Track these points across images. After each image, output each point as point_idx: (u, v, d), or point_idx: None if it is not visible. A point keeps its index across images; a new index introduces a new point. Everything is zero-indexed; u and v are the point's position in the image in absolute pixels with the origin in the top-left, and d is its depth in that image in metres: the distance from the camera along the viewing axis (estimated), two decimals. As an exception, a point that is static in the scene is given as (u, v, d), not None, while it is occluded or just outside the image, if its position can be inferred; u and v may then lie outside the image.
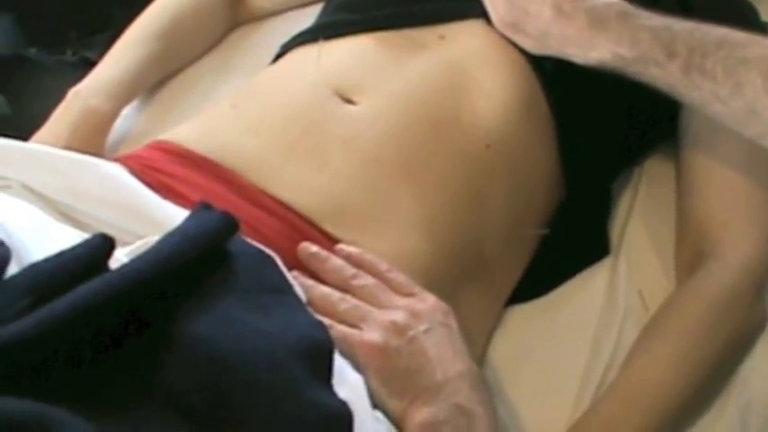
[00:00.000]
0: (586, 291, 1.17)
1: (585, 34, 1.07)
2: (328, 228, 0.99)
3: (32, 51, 2.12)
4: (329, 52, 1.17)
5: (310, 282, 0.93)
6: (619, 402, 1.03)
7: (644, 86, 1.08)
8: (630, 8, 1.07)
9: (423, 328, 0.88)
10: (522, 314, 1.16)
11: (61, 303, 0.66)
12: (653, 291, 1.16)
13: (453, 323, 0.91)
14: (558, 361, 1.11)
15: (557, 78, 1.16)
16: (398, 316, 0.89)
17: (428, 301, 0.92)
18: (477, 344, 1.08)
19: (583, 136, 1.17)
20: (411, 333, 0.87)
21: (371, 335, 0.87)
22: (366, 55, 1.16)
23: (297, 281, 0.90)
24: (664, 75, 1.04)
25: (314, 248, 0.96)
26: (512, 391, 1.08)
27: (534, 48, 1.12)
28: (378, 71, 1.13)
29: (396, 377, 0.85)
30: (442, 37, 1.19)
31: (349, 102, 1.09)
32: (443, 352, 0.87)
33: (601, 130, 1.20)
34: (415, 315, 0.89)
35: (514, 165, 1.11)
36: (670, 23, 1.05)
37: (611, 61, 1.06)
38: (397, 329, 0.87)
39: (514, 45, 1.17)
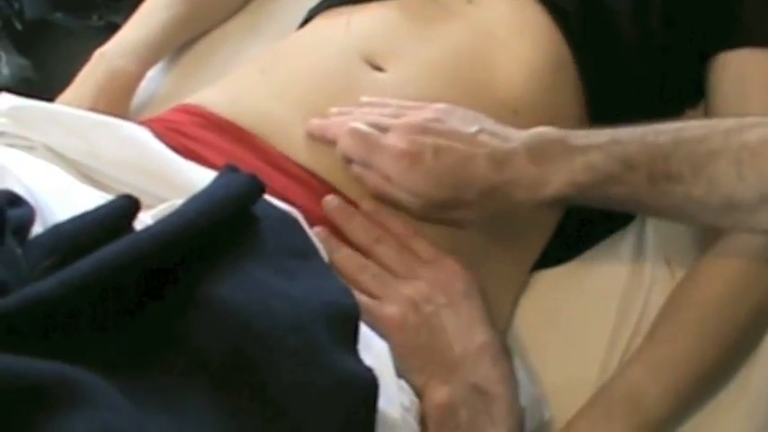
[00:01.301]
0: (613, 258, 1.16)
1: (533, 173, 0.93)
2: (352, 195, 0.99)
3: (58, 16, 2.12)
4: (358, 18, 1.16)
5: (334, 241, 0.93)
6: (644, 369, 1.02)
7: (673, 54, 1.06)
8: (565, 133, 0.95)
9: (442, 300, 0.87)
10: (549, 280, 1.15)
11: (85, 263, 0.66)
12: (680, 258, 1.14)
13: (475, 291, 0.90)
14: (584, 327, 1.10)
15: (586, 42, 1.15)
16: (417, 289, 0.88)
17: (449, 269, 0.91)
18: (503, 310, 1.08)
19: (612, 102, 1.15)
20: (429, 308, 0.87)
21: (390, 309, 0.87)
22: (394, 21, 1.15)
23: (319, 237, 0.90)
24: (628, 191, 0.93)
25: (337, 202, 0.96)
26: (538, 356, 1.08)
27: (477, 212, 0.97)
28: (406, 37, 1.13)
29: (414, 353, 0.85)
30: (469, 1, 1.18)
31: (377, 68, 1.09)
32: (462, 325, 0.87)
33: (630, 96, 1.18)
34: (434, 287, 0.89)
35: None
36: (615, 135, 0.94)
37: (568, 192, 0.93)
38: (416, 304, 0.87)
39: (543, 8, 1.15)
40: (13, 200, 0.75)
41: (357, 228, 0.94)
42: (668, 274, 1.14)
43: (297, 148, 1.01)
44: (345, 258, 0.92)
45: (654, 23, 1.17)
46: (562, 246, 1.15)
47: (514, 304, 1.12)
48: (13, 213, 0.71)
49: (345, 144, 0.97)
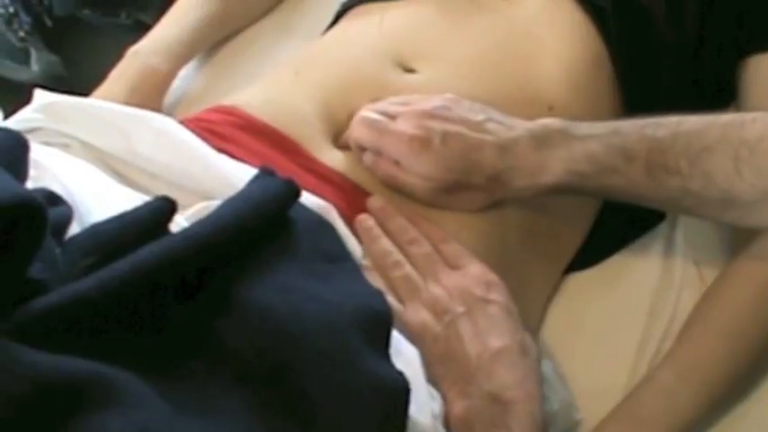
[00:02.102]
0: (643, 261, 1.16)
1: (533, 159, 0.95)
2: (387, 200, 0.99)
3: (87, 13, 2.13)
4: (391, 16, 1.16)
5: (376, 232, 0.94)
6: (674, 374, 1.02)
7: (706, 55, 1.06)
8: (568, 123, 0.97)
9: (460, 310, 0.88)
10: (579, 282, 1.15)
11: (124, 264, 0.66)
12: (710, 261, 1.14)
13: (496, 296, 0.90)
14: (613, 329, 1.11)
15: (622, 39, 1.14)
16: (437, 299, 0.89)
17: (470, 275, 0.91)
18: (536, 311, 1.09)
19: (647, 100, 1.14)
20: (448, 318, 0.87)
21: (413, 317, 0.88)
22: (428, 19, 1.16)
23: (363, 225, 0.93)
24: (626, 182, 0.94)
25: (380, 203, 0.97)
26: (567, 358, 1.08)
27: (484, 198, 1.00)
28: (439, 36, 1.13)
29: (434, 363, 0.85)
30: None
31: (409, 70, 1.09)
32: (479, 333, 0.86)
33: (665, 95, 1.17)
34: (453, 296, 0.89)
35: None
36: (616, 126, 0.96)
37: (567, 180, 0.95)
38: (436, 314, 0.87)
39: (579, 5, 1.15)
40: (52, 199, 0.76)
41: (395, 228, 0.95)
42: (698, 277, 1.13)
43: (330, 153, 1.02)
44: (381, 252, 0.93)
45: (689, 23, 1.16)
46: (591, 249, 1.15)
47: (546, 306, 1.12)
48: (51, 212, 0.71)
49: (356, 132, 1.00)
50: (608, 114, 1.12)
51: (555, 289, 1.14)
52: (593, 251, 1.15)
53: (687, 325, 1.07)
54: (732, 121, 0.94)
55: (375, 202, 0.97)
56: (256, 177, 0.83)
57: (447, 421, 0.82)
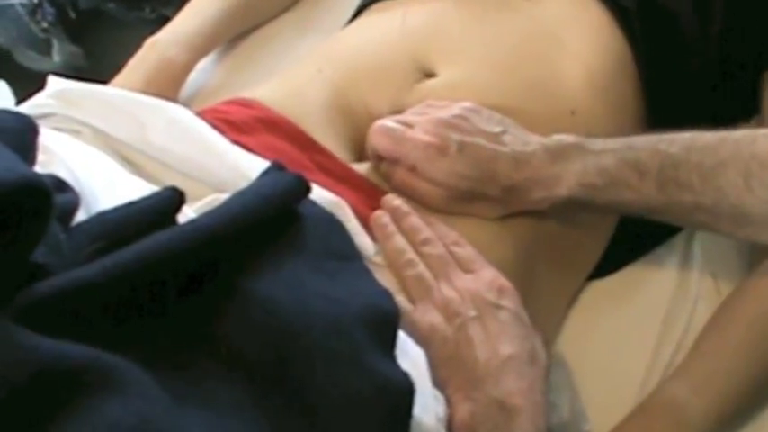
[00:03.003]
0: (659, 272, 1.15)
1: (549, 173, 0.97)
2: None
3: (111, 6, 2.13)
4: (413, 14, 1.16)
5: (392, 228, 0.94)
6: (687, 387, 1.01)
7: (731, 63, 1.04)
8: (583, 139, 0.98)
9: (471, 314, 0.87)
10: (594, 291, 1.14)
11: (128, 252, 0.65)
12: (726, 273, 1.13)
13: (508, 302, 0.89)
14: (627, 340, 1.10)
15: (647, 42, 1.13)
16: (448, 301, 0.88)
17: (483, 279, 0.90)
18: (553, 320, 1.08)
19: (671, 105, 1.14)
20: (458, 321, 0.86)
21: (423, 318, 0.87)
22: (450, 17, 1.15)
23: (380, 222, 0.93)
24: (638, 197, 0.95)
25: (398, 202, 0.96)
26: (579, 367, 1.07)
27: (499, 210, 1.00)
28: (462, 36, 1.12)
29: (440, 366, 0.84)
30: None
31: (430, 73, 1.09)
32: (489, 338, 0.85)
33: (689, 101, 1.16)
34: (465, 299, 0.88)
35: (600, 132, 1.06)
36: (630, 142, 0.97)
37: (580, 193, 0.96)
38: (448, 315, 0.86)
39: (603, 7, 1.15)
40: (59, 185, 0.75)
41: (409, 227, 0.94)
42: (714, 289, 1.12)
43: (349, 154, 1.03)
44: (395, 249, 0.93)
45: (714, 29, 1.15)
46: (607, 257, 1.14)
47: (565, 315, 1.11)
48: (57, 199, 0.71)
49: (374, 140, 1.00)
50: (631, 119, 1.12)
51: (572, 299, 1.13)
52: (609, 260, 1.14)
53: (701, 337, 1.06)
54: (745, 136, 0.94)
55: (391, 200, 0.97)
56: (266, 172, 0.82)
57: (451, 425, 0.81)
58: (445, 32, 1.13)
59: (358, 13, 1.28)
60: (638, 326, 1.10)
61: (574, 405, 0.99)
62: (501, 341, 0.85)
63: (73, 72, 1.99)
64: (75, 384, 0.58)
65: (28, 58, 2.01)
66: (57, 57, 2.03)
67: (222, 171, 0.89)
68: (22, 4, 2.06)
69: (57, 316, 0.61)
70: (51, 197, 0.61)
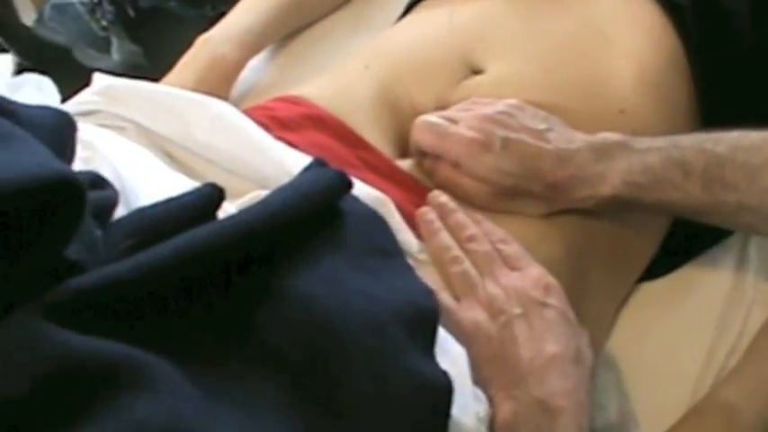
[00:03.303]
0: (714, 274, 1.13)
1: (593, 170, 0.96)
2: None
3: (172, 4, 2.14)
4: (461, 11, 1.15)
5: (437, 225, 0.93)
6: (740, 391, 0.99)
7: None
8: (628, 137, 0.97)
9: (517, 311, 0.85)
10: (647, 292, 1.12)
11: (165, 248, 0.65)
12: (783, 277, 1.11)
13: (555, 300, 0.87)
14: (679, 343, 1.08)
15: (700, 40, 1.11)
16: (494, 298, 0.86)
17: (530, 277, 0.89)
18: (604, 322, 1.06)
19: (725, 104, 1.11)
20: (503, 318, 0.85)
21: (465, 315, 0.85)
22: (498, 14, 1.14)
23: (425, 218, 0.92)
24: (683, 196, 0.94)
25: (444, 198, 0.95)
26: (630, 369, 1.06)
27: (543, 207, 0.99)
28: (510, 33, 1.11)
29: (484, 364, 0.83)
30: None
31: (478, 70, 1.08)
32: (534, 337, 0.84)
33: (744, 100, 1.13)
34: (510, 297, 0.87)
35: (650, 132, 1.04)
36: (676, 140, 0.96)
37: (625, 191, 0.95)
38: (492, 314, 0.85)
39: (655, 3, 1.13)
40: (98, 182, 0.75)
41: (454, 224, 0.93)
42: (770, 293, 1.10)
43: (395, 151, 1.02)
44: (441, 246, 0.91)
45: None
46: (661, 259, 1.12)
47: (616, 316, 1.09)
48: (95, 195, 0.71)
49: (417, 135, 1.00)
50: (683, 118, 1.10)
51: (623, 301, 1.11)
52: (662, 261, 1.12)
53: (756, 340, 1.04)
54: None
55: (437, 196, 0.96)
56: (308, 168, 0.82)
57: (493, 424, 0.80)
58: (493, 29, 1.12)
59: (407, 11, 1.27)
60: (691, 329, 1.08)
61: (622, 407, 0.97)
62: (546, 340, 0.84)
63: (132, 70, 2.00)
64: (105, 381, 0.58)
65: (87, 57, 2.03)
66: (116, 55, 2.04)
67: (266, 167, 0.89)
68: (81, 3, 2.09)
69: (89, 312, 0.61)
70: (84, 193, 0.61)
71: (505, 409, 0.80)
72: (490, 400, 0.81)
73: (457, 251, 0.91)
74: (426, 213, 0.94)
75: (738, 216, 0.94)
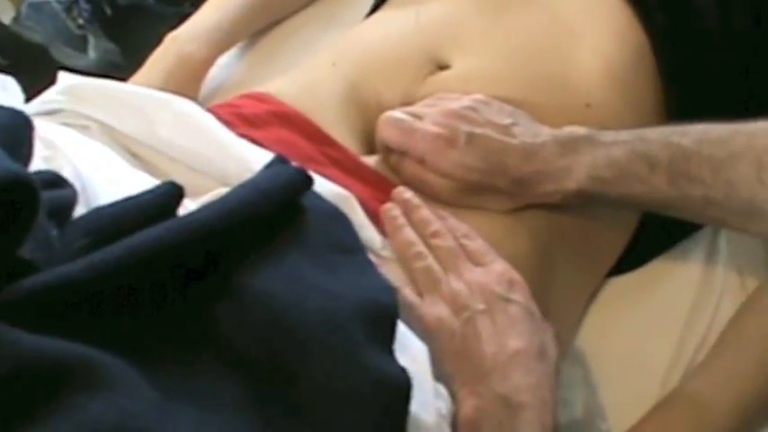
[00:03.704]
0: (683, 267, 1.13)
1: (559, 165, 0.95)
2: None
3: (149, 2, 2.13)
4: (427, 8, 1.14)
5: (401, 221, 0.93)
6: (708, 385, 0.99)
7: (759, 56, 1.02)
8: (594, 130, 0.97)
9: (480, 307, 0.85)
10: (615, 286, 1.12)
11: (118, 247, 0.65)
12: (752, 268, 1.11)
13: (518, 296, 0.87)
14: (648, 336, 1.08)
15: (667, 34, 1.11)
16: (457, 294, 0.87)
17: (494, 272, 0.89)
18: (572, 317, 1.06)
19: (692, 99, 1.11)
20: (466, 314, 0.85)
21: (428, 310, 0.85)
22: (465, 11, 1.13)
23: (390, 214, 0.92)
24: (649, 190, 0.93)
25: (409, 194, 0.95)
26: (598, 364, 1.06)
27: (509, 202, 0.98)
28: (476, 29, 1.11)
29: (447, 360, 0.83)
30: None
31: (444, 65, 1.08)
32: (497, 332, 0.84)
33: (711, 96, 1.13)
34: (474, 292, 0.87)
35: (616, 126, 1.03)
36: (641, 134, 0.95)
37: (590, 186, 0.95)
38: (454, 309, 0.85)
39: None
40: (56, 181, 0.74)
41: (418, 220, 0.93)
42: (740, 286, 1.10)
43: (361, 148, 1.02)
44: (404, 242, 0.91)
45: (739, 19, 1.12)
46: (630, 252, 1.12)
47: (585, 311, 1.09)
48: (52, 194, 0.70)
49: (383, 131, 0.99)
50: (650, 113, 1.10)
51: (592, 295, 1.11)
52: (632, 255, 1.12)
53: (724, 333, 1.04)
54: (760, 128, 0.91)
55: (401, 192, 0.96)
56: (269, 165, 0.81)
57: (456, 421, 0.80)
58: (459, 25, 1.12)
59: (375, 8, 1.27)
60: (660, 322, 1.08)
61: (589, 402, 0.97)
62: (509, 335, 0.84)
63: (108, 68, 2.00)
64: (58, 381, 0.58)
65: (64, 55, 2.02)
66: (92, 53, 2.04)
67: (228, 165, 0.89)
68: (58, 1, 2.08)
69: (41, 312, 0.61)
70: (38, 193, 0.61)
71: (468, 405, 0.80)
72: (453, 396, 0.81)
73: (420, 247, 0.91)
74: (391, 210, 0.93)
75: (705, 210, 0.93)
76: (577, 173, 0.95)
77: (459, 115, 0.97)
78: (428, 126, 0.96)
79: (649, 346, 1.07)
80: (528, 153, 0.95)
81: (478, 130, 0.95)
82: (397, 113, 0.99)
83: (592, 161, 0.94)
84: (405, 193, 0.95)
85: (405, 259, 0.91)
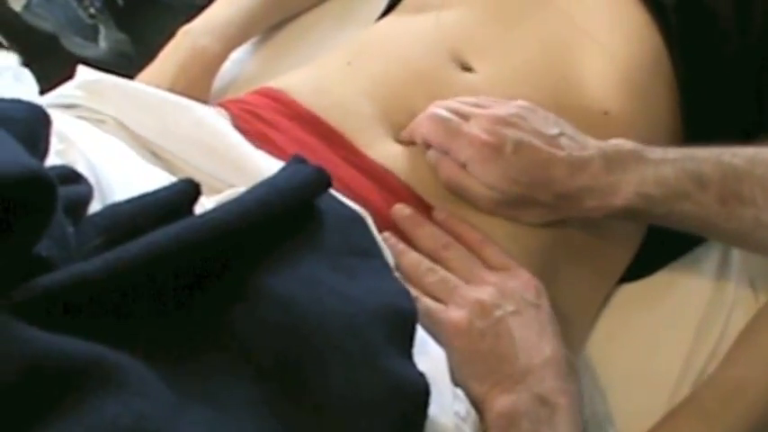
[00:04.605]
0: (695, 276, 1.12)
1: (606, 181, 0.92)
2: (430, 198, 0.97)
3: (161, -8, 2.13)
4: (448, 8, 1.13)
5: (401, 246, 0.91)
6: (717, 397, 0.99)
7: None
8: (642, 146, 0.94)
9: (510, 308, 0.85)
10: (626, 294, 1.11)
11: (135, 246, 0.64)
12: (765, 280, 1.10)
13: (545, 303, 0.88)
14: (658, 346, 1.07)
15: (684, 40, 1.10)
16: (486, 294, 0.86)
17: (520, 278, 0.89)
18: (579, 327, 1.05)
19: (707, 107, 1.10)
20: (497, 314, 0.85)
21: (456, 313, 0.85)
22: (484, 14, 1.12)
23: (387, 243, 0.89)
24: (698, 209, 0.91)
25: (408, 211, 0.94)
26: (607, 372, 1.05)
27: (547, 215, 0.96)
28: (496, 32, 1.10)
29: (478, 360, 0.83)
30: None
31: (466, 68, 1.07)
32: (530, 336, 0.84)
33: (727, 104, 1.12)
34: (503, 293, 0.86)
35: (632, 134, 1.02)
36: (692, 153, 0.93)
37: (637, 203, 0.92)
38: (483, 309, 0.85)
39: (640, 3, 1.12)
40: (71, 176, 0.74)
41: (426, 235, 0.93)
42: (752, 297, 1.09)
43: (378, 149, 1.00)
44: (413, 262, 0.91)
45: (756, 30, 1.12)
46: (641, 260, 1.11)
47: (593, 321, 1.08)
48: (68, 190, 0.70)
49: (426, 128, 0.97)
50: (666, 120, 1.09)
51: (602, 303, 1.10)
52: (643, 263, 1.11)
53: (735, 347, 1.03)
54: None
55: (402, 210, 0.95)
56: (287, 165, 0.81)
57: (484, 420, 0.81)
58: (478, 29, 1.10)
59: (389, 9, 1.26)
60: (670, 332, 1.07)
61: (598, 410, 0.97)
62: (541, 340, 0.85)
63: (119, 58, 2.00)
64: (72, 380, 0.58)
65: (74, 44, 2.02)
66: (103, 43, 2.04)
67: (245, 173, 0.88)
68: (69, -10, 2.08)
69: (57, 310, 0.60)
70: (55, 189, 0.60)
71: (503, 401, 0.81)
72: (483, 396, 0.82)
73: (429, 263, 0.91)
74: (388, 239, 0.92)
75: (754, 231, 0.92)
76: (625, 190, 0.92)
77: (506, 122, 0.94)
78: (475, 130, 0.93)
79: (659, 355, 1.06)
80: (574, 167, 0.92)
81: (526, 139, 0.93)
82: (443, 112, 0.96)
83: (640, 179, 0.92)
84: (404, 209, 0.94)
85: (416, 278, 0.90)
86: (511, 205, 0.95)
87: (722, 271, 1.12)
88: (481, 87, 1.03)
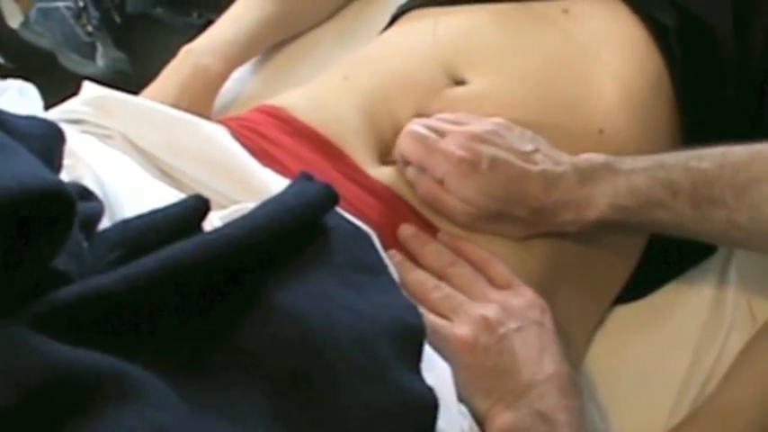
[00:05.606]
0: (693, 296, 1.13)
1: (579, 195, 0.94)
2: (429, 215, 0.98)
3: (158, 11, 2.14)
4: (445, 22, 1.14)
5: (407, 264, 0.92)
6: (715, 418, 0.99)
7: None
8: (612, 158, 0.96)
9: (514, 325, 0.86)
10: (624, 315, 1.12)
11: (151, 260, 0.65)
12: (763, 301, 1.11)
13: (548, 321, 0.89)
14: (656, 366, 1.07)
15: (685, 60, 1.11)
16: (490, 311, 0.87)
17: (525, 296, 0.90)
18: (578, 346, 1.05)
19: (708, 126, 1.11)
20: (501, 330, 0.86)
21: (461, 329, 0.86)
22: (483, 27, 1.13)
23: (393, 260, 0.90)
24: (672, 216, 0.93)
25: (413, 230, 0.95)
26: (605, 392, 1.05)
27: (525, 230, 0.98)
28: (494, 47, 1.11)
29: (481, 376, 0.84)
30: (565, 11, 1.15)
31: (460, 82, 1.07)
32: (533, 353, 0.85)
33: (727, 122, 1.13)
34: (507, 311, 0.87)
35: (629, 152, 1.02)
36: (661, 159, 0.95)
37: (612, 215, 0.94)
38: (488, 325, 0.86)
39: (641, 23, 1.13)
40: (84, 193, 0.75)
41: (431, 253, 0.94)
42: (750, 318, 1.10)
43: (374, 164, 1.01)
44: (418, 279, 0.92)
45: (757, 47, 1.13)
46: (638, 281, 1.12)
47: (589, 341, 1.09)
48: (83, 206, 0.71)
49: (404, 145, 0.98)
50: (665, 140, 1.10)
51: (597, 324, 1.10)
52: (639, 283, 1.12)
53: (733, 367, 1.04)
54: None
55: (407, 230, 0.96)
56: (295, 181, 0.82)
57: None
58: (477, 42, 1.11)
59: (391, 22, 1.26)
60: (668, 352, 1.08)
61: (595, 427, 0.98)
62: (545, 357, 0.86)
63: (116, 76, 2.00)
64: (90, 393, 0.58)
65: (72, 62, 2.03)
66: (100, 61, 2.04)
67: (251, 191, 0.89)
68: (67, 7, 2.08)
69: (75, 324, 0.61)
70: (74, 204, 0.61)
71: (505, 418, 0.82)
72: (486, 412, 0.83)
73: (435, 280, 0.92)
74: (393, 256, 0.92)
75: (729, 232, 0.93)
76: (599, 203, 0.94)
77: (482, 139, 0.96)
78: (451, 147, 0.95)
79: (657, 375, 1.06)
80: (549, 182, 0.95)
81: (501, 155, 0.95)
82: (421, 129, 0.98)
83: (612, 190, 0.94)
84: (408, 229, 0.95)
85: (422, 295, 0.90)
86: (488, 220, 0.97)
87: (720, 292, 1.13)
88: (472, 103, 1.04)
